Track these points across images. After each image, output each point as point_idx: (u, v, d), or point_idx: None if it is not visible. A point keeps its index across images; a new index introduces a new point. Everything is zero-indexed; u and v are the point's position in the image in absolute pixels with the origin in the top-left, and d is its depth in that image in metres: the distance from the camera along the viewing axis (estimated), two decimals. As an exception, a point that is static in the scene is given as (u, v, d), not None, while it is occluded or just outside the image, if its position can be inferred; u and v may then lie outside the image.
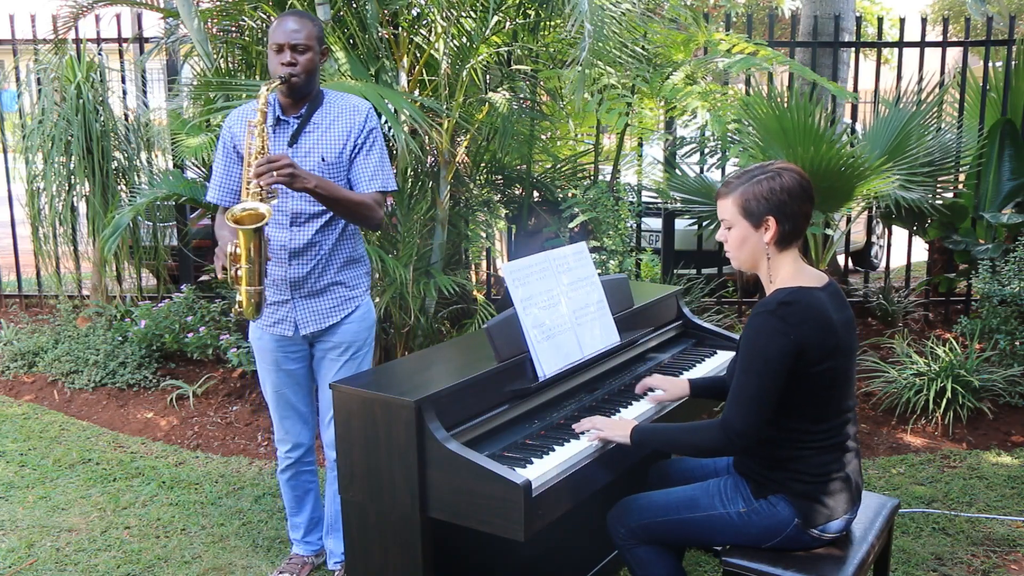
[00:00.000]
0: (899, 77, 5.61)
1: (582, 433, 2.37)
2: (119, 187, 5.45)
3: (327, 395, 2.92)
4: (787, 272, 2.24)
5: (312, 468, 3.13)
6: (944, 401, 4.31)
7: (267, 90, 2.60)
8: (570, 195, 4.88)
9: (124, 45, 5.92)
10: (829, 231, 5.00)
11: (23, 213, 5.71)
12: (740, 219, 2.24)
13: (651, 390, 2.69)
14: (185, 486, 3.88)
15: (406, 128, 3.96)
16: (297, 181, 2.55)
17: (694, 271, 5.75)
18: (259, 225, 2.49)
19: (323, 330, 2.87)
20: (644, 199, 5.52)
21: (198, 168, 5.25)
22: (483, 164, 5.05)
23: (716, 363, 3.02)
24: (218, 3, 4.56)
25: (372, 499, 2.29)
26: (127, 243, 5.47)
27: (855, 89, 5.81)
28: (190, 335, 4.89)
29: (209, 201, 2.93)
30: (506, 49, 4.74)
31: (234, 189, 2.82)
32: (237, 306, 2.61)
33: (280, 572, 3.16)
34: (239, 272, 2.54)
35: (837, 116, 5.64)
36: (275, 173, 2.50)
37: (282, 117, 2.76)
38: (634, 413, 2.57)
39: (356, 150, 2.78)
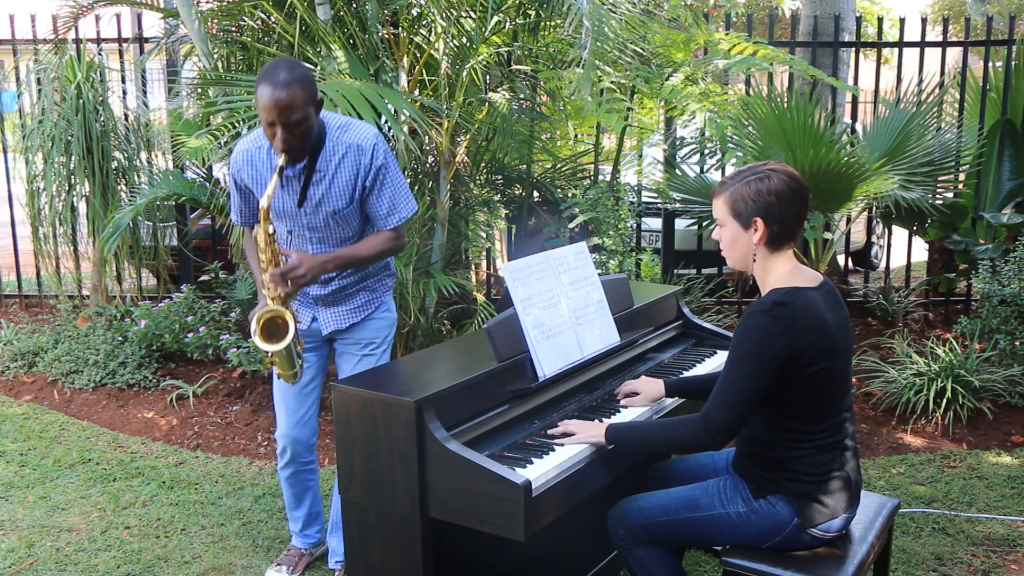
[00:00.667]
0: (899, 77, 5.61)
1: (559, 440, 2.34)
2: (119, 187, 5.45)
3: None
4: (781, 272, 2.24)
5: (312, 466, 3.13)
6: (944, 401, 4.31)
7: (266, 201, 2.53)
8: (570, 195, 4.88)
9: (124, 45, 5.92)
10: (828, 234, 5.01)
11: (23, 213, 5.71)
12: (730, 219, 2.25)
13: (631, 394, 2.66)
14: (185, 486, 3.88)
15: (406, 128, 3.96)
16: (313, 278, 2.65)
17: (694, 271, 5.75)
18: (286, 344, 2.58)
19: (346, 328, 2.92)
20: (644, 199, 5.53)
21: (198, 168, 5.26)
22: (483, 164, 5.06)
23: (716, 363, 3.02)
24: (218, 3, 4.56)
25: (372, 499, 2.29)
26: (127, 243, 5.47)
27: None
28: (190, 335, 4.89)
29: (234, 223, 2.99)
30: (506, 49, 4.74)
31: (254, 213, 2.84)
32: (275, 371, 2.77)
33: (278, 564, 3.17)
34: (273, 362, 2.68)
35: (837, 116, 5.64)
36: (291, 284, 2.59)
37: (286, 172, 2.66)
38: (633, 414, 2.57)
39: (367, 192, 2.73)
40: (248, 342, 4.70)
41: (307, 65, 2.68)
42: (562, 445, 2.33)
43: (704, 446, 2.22)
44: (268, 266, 2.58)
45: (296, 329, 2.60)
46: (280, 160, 2.53)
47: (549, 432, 2.39)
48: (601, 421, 2.46)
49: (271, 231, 2.57)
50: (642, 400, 2.64)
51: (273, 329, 2.59)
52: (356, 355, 2.94)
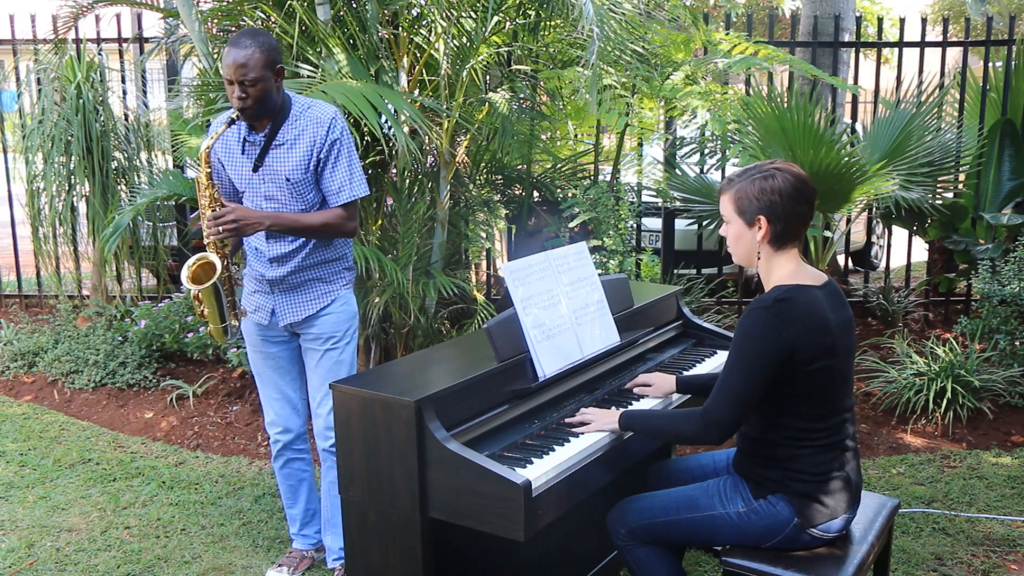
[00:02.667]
0: (899, 77, 5.62)
1: (577, 429, 2.39)
2: (119, 187, 5.46)
3: (314, 385, 3.00)
4: (785, 270, 2.25)
5: (305, 457, 3.15)
6: (944, 401, 4.31)
7: (223, 127, 2.71)
8: (570, 195, 4.88)
9: (124, 45, 5.92)
10: (828, 233, 5.01)
11: (23, 213, 5.71)
12: (735, 216, 2.26)
13: (644, 386, 2.71)
14: (185, 486, 3.88)
15: (406, 128, 3.96)
16: (248, 229, 2.72)
17: (694, 271, 5.75)
18: (211, 283, 2.70)
19: (302, 320, 2.94)
20: (644, 199, 5.53)
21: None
22: (483, 164, 5.05)
23: (716, 363, 3.02)
24: (218, 3, 4.56)
25: (372, 499, 2.29)
26: (127, 243, 5.47)
27: (855, 89, 5.81)
28: (190, 335, 4.89)
29: None
30: (506, 49, 4.74)
31: (228, 192, 2.94)
32: (208, 332, 2.85)
33: (279, 565, 3.17)
34: (204, 312, 2.78)
35: (837, 116, 5.64)
36: (221, 228, 2.67)
37: (248, 138, 2.81)
38: (645, 407, 2.58)
39: (323, 163, 2.81)
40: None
41: (271, 35, 2.80)
42: (576, 436, 2.36)
43: (703, 440, 2.23)
44: (207, 211, 2.71)
45: (224, 274, 2.72)
46: (234, 114, 2.70)
47: (567, 420, 2.42)
48: (628, 406, 2.53)
49: (210, 175, 2.72)
50: (654, 391, 2.67)
51: (203, 276, 2.73)
52: (319, 350, 2.96)
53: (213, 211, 2.70)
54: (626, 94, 4.16)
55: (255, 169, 2.81)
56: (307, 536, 3.23)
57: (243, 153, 2.82)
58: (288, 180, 2.79)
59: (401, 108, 3.70)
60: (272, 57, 2.69)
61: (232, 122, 2.72)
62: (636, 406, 2.60)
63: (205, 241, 2.73)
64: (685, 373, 2.90)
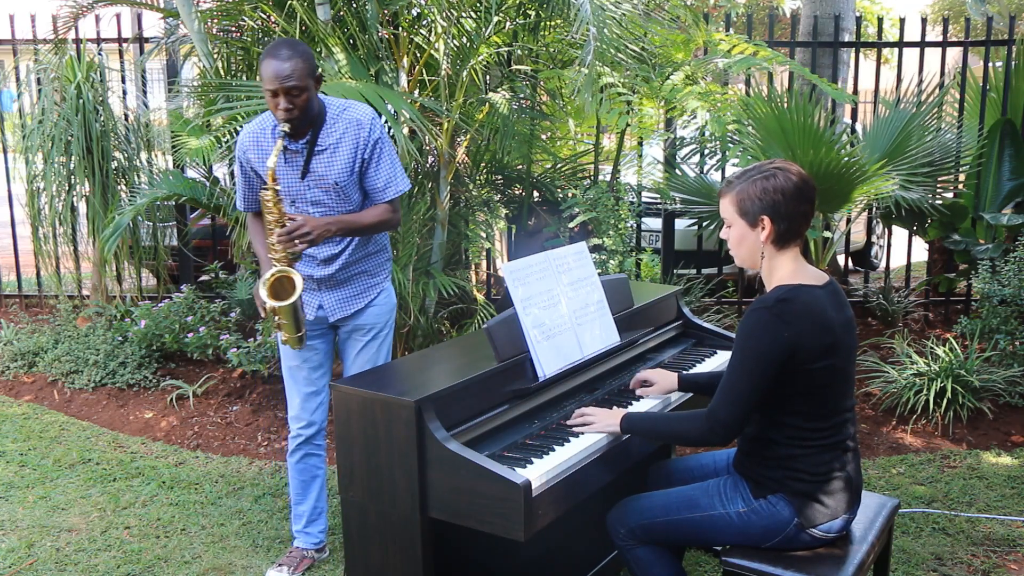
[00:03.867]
0: (899, 77, 5.61)
1: (577, 429, 2.39)
2: (119, 187, 5.45)
3: (353, 373, 3.04)
4: (787, 270, 2.25)
5: (321, 454, 3.18)
6: (944, 401, 4.31)
7: (274, 157, 2.67)
8: (570, 195, 4.88)
9: (124, 45, 5.92)
10: (828, 233, 5.01)
11: (23, 213, 5.71)
12: (737, 218, 2.26)
13: (645, 383, 2.71)
14: (185, 486, 3.88)
15: (405, 129, 3.96)
16: (319, 237, 2.76)
17: (694, 271, 5.75)
18: (293, 301, 2.71)
19: (351, 315, 3.02)
20: (644, 199, 5.53)
21: (199, 168, 5.26)
22: (483, 164, 5.06)
23: (716, 363, 3.02)
24: (218, 3, 4.56)
25: (372, 499, 2.29)
26: (127, 243, 5.47)
27: (855, 89, 5.81)
28: (190, 335, 4.89)
29: (238, 209, 3.09)
30: (506, 49, 4.74)
31: (258, 199, 2.95)
32: (281, 337, 2.86)
33: (279, 565, 3.18)
34: (280, 324, 2.81)
35: (837, 116, 5.64)
36: (297, 242, 2.70)
37: (289, 147, 2.82)
38: (646, 406, 2.58)
39: (365, 165, 2.87)
40: (248, 342, 4.70)
41: (305, 43, 2.83)
42: (576, 436, 2.36)
43: (708, 442, 2.23)
44: (275, 227, 2.71)
45: (302, 287, 2.72)
46: (283, 127, 2.68)
47: (568, 422, 2.42)
48: (628, 406, 2.55)
49: (277, 192, 2.70)
50: (655, 390, 2.67)
51: (280, 290, 2.73)
52: (361, 341, 3.05)
53: (282, 225, 2.70)
54: (627, 92, 4.16)
55: (303, 177, 2.84)
56: (310, 534, 3.23)
57: (286, 162, 2.84)
58: (336, 184, 2.83)
59: (401, 108, 3.70)
60: (312, 64, 2.72)
61: (285, 135, 2.70)
62: (637, 406, 2.60)
63: (276, 256, 2.72)
64: (684, 373, 2.89)
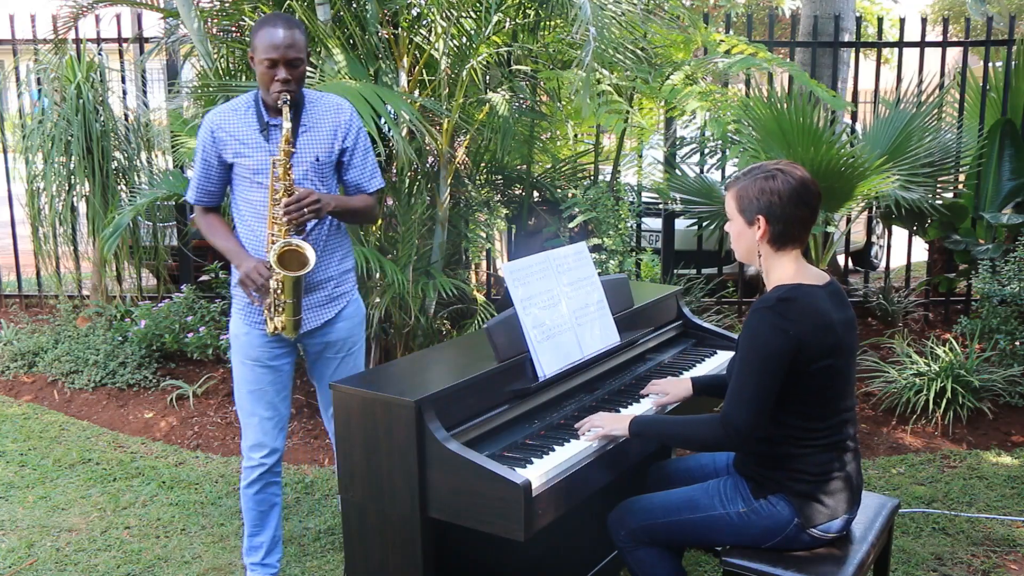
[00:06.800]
0: (899, 77, 5.61)
1: (581, 432, 2.38)
2: (119, 187, 5.46)
3: (330, 393, 2.92)
4: (787, 270, 2.25)
5: (279, 480, 2.98)
6: (944, 401, 4.31)
7: (288, 122, 2.61)
8: (570, 195, 4.88)
9: (124, 45, 5.92)
10: (831, 228, 5.01)
11: (23, 213, 5.71)
12: (736, 215, 2.27)
13: (662, 393, 2.67)
14: (185, 486, 3.88)
15: (405, 130, 3.96)
16: (323, 211, 2.69)
17: (694, 271, 5.75)
18: (305, 272, 2.62)
19: (320, 326, 2.87)
20: (644, 199, 5.52)
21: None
22: (483, 164, 5.05)
23: (716, 363, 3.02)
24: (218, 3, 4.56)
25: (372, 499, 2.29)
26: (127, 243, 5.47)
27: (855, 89, 5.81)
28: (190, 335, 4.89)
29: (188, 201, 2.92)
30: (506, 49, 4.74)
31: (214, 191, 2.84)
32: (277, 326, 2.73)
33: None
34: (280, 303, 2.68)
35: (837, 116, 5.64)
36: (306, 210, 2.62)
37: (272, 123, 2.73)
38: (635, 413, 2.57)
39: (350, 151, 2.83)
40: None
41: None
42: (576, 436, 2.35)
43: (723, 447, 2.22)
44: (283, 196, 2.62)
45: (313, 262, 2.63)
46: (284, 98, 2.59)
47: (575, 426, 2.39)
48: (628, 406, 2.54)
49: (291, 157, 2.63)
50: (671, 399, 2.64)
51: (290, 264, 2.63)
52: (335, 359, 2.93)
53: (290, 194, 2.62)
54: (623, 100, 4.16)
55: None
56: (268, 565, 3.00)
57: (268, 139, 2.73)
58: (318, 160, 2.77)
59: (400, 109, 3.70)
60: (307, 40, 2.70)
61: (286, 104, 2.60)
62: (637, 407, 2.60)
63: (276, 229, 2.63)
64: (685, 373, 2.89)
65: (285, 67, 2.60)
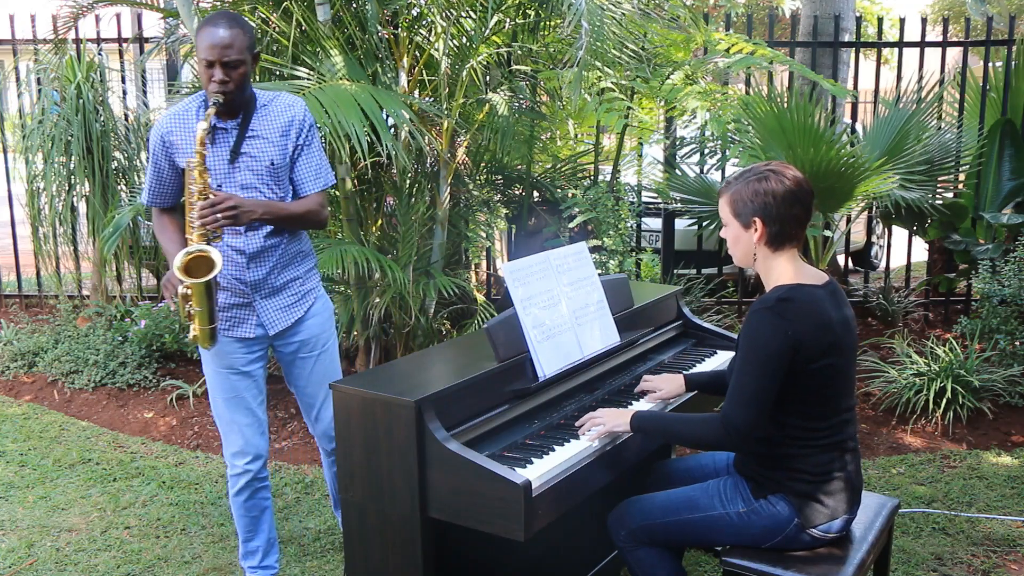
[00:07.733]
0: (899, 77, 5.61)
1: (583, 428, 2.38)
2: (119, 187, 5.46)
3: (310, 392, 2.95)
4: (785, 271, 2.25)
5: (267, 484, 2.97)
6: (944, 401, 4.31)
7: (205, 123, 2.53)
8: (570, 195, 4.88)
9: (124, 45, 5.92)
10: (828, 232, 5.01)
11: (23, 213, 5.71)
12: (732, 219, 2.27)
13: (653, 391, 2.69)
14: (185, 486, 3.88)
15: (404, 132, 3.96)
16: (243, 216, 2.58)
17: (694, 271, 5.75)
18: (211, 278, 2.52)
19: (290, 326, 2.85)
20: (644, 199, 5.53)
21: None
22: (483, 164, 5.05)
23: (716, 363, 3.02)
24: (218, 3, 4.56)
25: (372, 499, 2.29)
26: (127, 243, 5.47)
27: (855, 89, 5.80)
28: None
29: (143, 204, 2.88)
30: (506, 49, 4.74)
31: (167, 193, 2.79)
32: (191, 337, 2.67)
33: None
34: (191, 311, 2.61)
35: (837, 116, 5.64)
36: (219, 216, 2.52)
37: (219, 125, 2.65)
38: (648, 404, 2.58)
39: (298, 151, 2.75)
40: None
41: (251, 23, 2.69)
42: (576, 436, 2.35)
43: (724, 446, 2.23)
44: (198, 199, 2.52)
45: (221, 267, 2.53)
46: (217, 99, 2.52)
47: (577, 423, 2.40)
48: (628, 406, 2.53)
49: (205, 159, 2.54)
50: (664, 395, 2.65)
51: (196, 271, 2.54)
52: (310, 357, 2.90)
53: (205, 198, 2.53)
54: (624, 98, 4.16)
55: (232, 159, 2.67)
56: (268, 567, 3.01)
57: (213, 143, 2.64)
58: (273, 164, 2.69)
59: (398, 111, 3.69)
60: (252, 40, 2.61)
61: (217, 105, 2.54)
62: (637, 405, 2.60)
63: (191, 234, 2.55)
64: (685, 373, 2.89)
65: (222, 68, 2.53)
